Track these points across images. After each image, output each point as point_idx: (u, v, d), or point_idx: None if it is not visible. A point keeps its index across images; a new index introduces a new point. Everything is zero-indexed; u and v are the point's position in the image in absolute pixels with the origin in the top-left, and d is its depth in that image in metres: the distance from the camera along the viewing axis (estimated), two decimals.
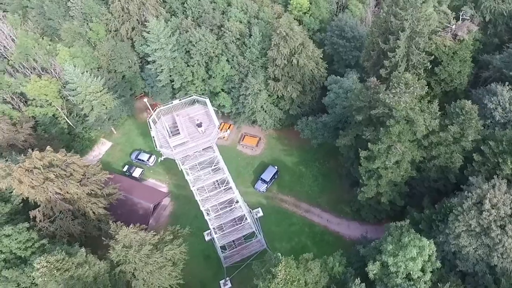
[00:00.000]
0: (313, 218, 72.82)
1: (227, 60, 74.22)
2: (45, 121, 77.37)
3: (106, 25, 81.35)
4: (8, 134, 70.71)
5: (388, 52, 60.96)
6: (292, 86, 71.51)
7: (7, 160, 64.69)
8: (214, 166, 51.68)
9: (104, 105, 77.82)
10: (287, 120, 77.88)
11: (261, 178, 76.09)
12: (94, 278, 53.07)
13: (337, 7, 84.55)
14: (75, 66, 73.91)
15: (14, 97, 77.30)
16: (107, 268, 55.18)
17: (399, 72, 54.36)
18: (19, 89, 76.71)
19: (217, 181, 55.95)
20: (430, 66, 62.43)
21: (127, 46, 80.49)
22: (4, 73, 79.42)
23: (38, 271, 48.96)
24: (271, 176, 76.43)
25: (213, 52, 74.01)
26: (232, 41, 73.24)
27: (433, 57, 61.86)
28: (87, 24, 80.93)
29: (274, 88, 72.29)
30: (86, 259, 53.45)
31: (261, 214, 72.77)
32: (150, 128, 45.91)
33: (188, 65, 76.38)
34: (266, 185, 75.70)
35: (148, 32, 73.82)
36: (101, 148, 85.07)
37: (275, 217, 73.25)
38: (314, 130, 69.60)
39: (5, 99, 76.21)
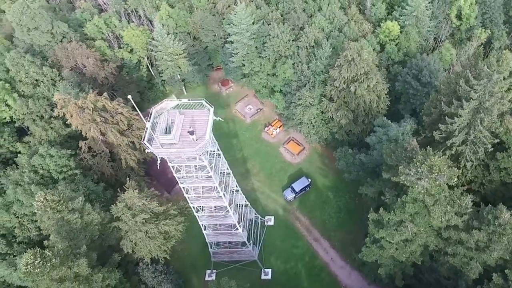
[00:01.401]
0: (318, 249, 63.62)
1: (293, 64, 66.35)
2: (130, 65, 78.21)
3: None
4: (93, 69, 73.75)
5: (447, 117, 47.94)
6: (344, 112, 60.89)
7: (76, 92, 68.10)
8: (206, 174, 46.81)
9: (179, 67, 76.38)
10: (332, 142, 68.05)
11: (292, 187, 67.94)
12: (84, 226, 54.08)
13: (429, 45, 69.47)
14: (163, 26, 73.28)
15: (113, 38, 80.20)
16: (102, 220, 55.47)
17: (432, 153, 41.88)
18: (119, 32, 79.20)
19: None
20: (492, 148, 48.01)
21: (216, 20, 76.00)
22: (115, 15, 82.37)
23: (36, 203, 51.37)
24: (302, 187, 68.00)
25: (284, 52, 66.60)
26: (305, 47, 64.74)
27: (498, 140, 47.28)
28: None
29: (326, 107, 63.11)
30: (82, 207, 54.24)
31: (271, 223, 67.57)
32: (149, 118, 42.40)
33: (259, 56, 70.55)
34: (295, 195, 67.53)
35: (234, 15, 69.62)
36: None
37: (284, 232, 65.49)
38: (350, 164, 59.30)
39: (106, 37, 79.46)
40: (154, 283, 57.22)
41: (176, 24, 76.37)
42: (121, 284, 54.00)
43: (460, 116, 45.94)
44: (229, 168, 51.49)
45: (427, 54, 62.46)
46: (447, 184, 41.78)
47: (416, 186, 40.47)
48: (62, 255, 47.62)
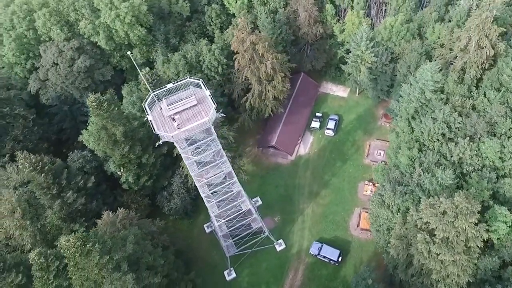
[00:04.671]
0: None
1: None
2: (332, 42, 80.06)
3: None
4: (304, 21, 76.79)
5: None
6: None
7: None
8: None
9: (359, 71, 73.25)
10: None
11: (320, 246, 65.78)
12: None
13: None
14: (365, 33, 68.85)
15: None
16: None
17: None
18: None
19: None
20: None
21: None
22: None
23: None
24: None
25: None
26: None
27: None
28: None
29: None
30: None
31: (260, 203, 71.15)
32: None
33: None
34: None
35: None
36: (337, 92, 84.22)
37: None
38: None
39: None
40: None
41: (389, 37, 70.33)
42: None
43: None
44: None
45: None
46: None
47: None
48: None
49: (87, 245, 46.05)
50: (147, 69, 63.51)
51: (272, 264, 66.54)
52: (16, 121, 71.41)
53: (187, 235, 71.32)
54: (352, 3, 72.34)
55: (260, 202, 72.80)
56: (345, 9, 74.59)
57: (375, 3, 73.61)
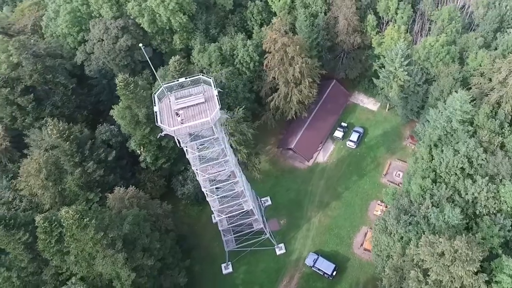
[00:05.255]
0: None
1: None
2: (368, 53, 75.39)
3: None
4: (343, 28, 72.58)
5: None
6: None
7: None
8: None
9: (391, 87, 68.29)
10: None
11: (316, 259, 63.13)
12: None
13: None
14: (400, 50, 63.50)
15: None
16: None
17: None
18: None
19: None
20: None
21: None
22: None
23: None
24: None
25: None
26: None
27: None
28: None
29: None
30: None
31: (269, 203, 68.97)
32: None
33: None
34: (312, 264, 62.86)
35: None
36: (367, 104, 79.47)
37: None
38: None
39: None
40: None
41: (426, 57, 64.75)
42: None
43: None
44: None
45: None
46: None
47: None
48: None
49: (85, 219, 46.61)
50: (177, 57, 62.73)
51: (269, 266, 64.91)
52: (57, 88, 73.62)
53: (195, 221, 71.06)
54: (396, 16, 66.99)
55: (269, 203, 70.96)
56: (387, 22, 69.43)
57: (420, 19, 67.77)
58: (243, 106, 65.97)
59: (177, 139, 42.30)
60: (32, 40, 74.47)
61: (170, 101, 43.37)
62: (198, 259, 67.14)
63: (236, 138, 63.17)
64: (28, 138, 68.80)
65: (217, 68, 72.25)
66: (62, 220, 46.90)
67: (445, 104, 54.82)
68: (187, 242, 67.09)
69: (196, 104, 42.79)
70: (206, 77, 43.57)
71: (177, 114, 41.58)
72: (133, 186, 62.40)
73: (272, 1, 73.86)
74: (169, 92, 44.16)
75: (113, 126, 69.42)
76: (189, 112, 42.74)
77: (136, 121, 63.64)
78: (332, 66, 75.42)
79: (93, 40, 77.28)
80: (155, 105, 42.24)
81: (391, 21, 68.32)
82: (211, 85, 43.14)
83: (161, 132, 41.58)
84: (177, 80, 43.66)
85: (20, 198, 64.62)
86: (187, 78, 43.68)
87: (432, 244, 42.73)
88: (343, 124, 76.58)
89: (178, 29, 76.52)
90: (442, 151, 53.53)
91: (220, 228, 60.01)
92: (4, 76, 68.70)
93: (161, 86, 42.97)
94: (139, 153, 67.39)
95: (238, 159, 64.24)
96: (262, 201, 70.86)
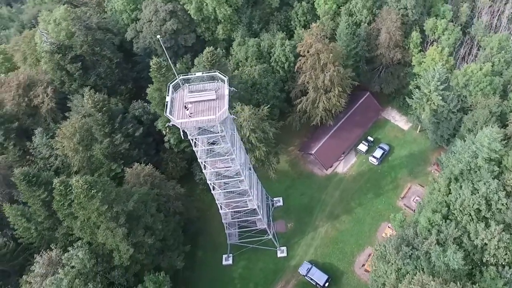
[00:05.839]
0: None
1: None
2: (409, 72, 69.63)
3: None
4: (384, 41, 67.32)
5: None
6: None
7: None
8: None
9: (423, 109, 63.07)
10: None
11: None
12: None
13: None
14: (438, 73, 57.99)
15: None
16: None
17: None
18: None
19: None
20: None
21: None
22: None
23: None
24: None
25: None
26: None
27: None
28: None
29: None
30: None
31: (280, 204, 67.13)
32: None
33: None
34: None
35: None
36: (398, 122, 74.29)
37: None
38: None
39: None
40: None
41: (465, 84, 58.86)
42: None
43: None
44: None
45: None
46: None
47: None
48: None
49: (92, 191, 47.54)
50: (211, 48, 61.70)
51: (268, 266, 63.30)
52: (102, 60, 75.63)
53: (207, 207, 70.71)
54: (443, 36, 61.25)
55: (281, 204, 69.11)
56: (432, 41, 63.71)
57: (468, 43, 61.54)
58: (270, 104, 64.10)
59: (183, 131, 41.47)
60: (87, 13, 76.68)
61: (184, 93, 42.57)
62: (203, 245, 67.11)
63: (257, 135, 61.51)
64: (71, 102, 71.41)
65: (252, 63, 70.63)
66: (72, 187, 48.11)
67: (474, 138, 49.57)
68: (195, 227, 67.20)
69: (207, 100, 41.61)
70: (222, 75, 42.17)
71: (185, 107, 40.69)
72: (152, 165, 62.67)
73: (318, 4, 70.37)
74: (186, 84, 43.33)
75: (147, 103, 70.29)
76: (199, 107, 41.82)
77: (164, 103, 63.71)
78: (368, 78, 71.05)
79: (143, 19, 78.21)
80: (168, 95, 41.62)
81: (436, 41, 62.53)
82: (225, 84, 41.72)
83: (169, 122, 40.98)
84: (194, 74, 42.66)
85: (56, 156, 67.76)
86: (204, 73, 42.55)
87: (424, 285, 39.11)
88: (370, 138, 72.37)
89: (222, 20, 75.42)
90: (461, 187, 48.71)
91: (223, 221, 59.24)
92: (59, 43, 71.50)
93: (176, 78, 42.23)
94: (164, 133, 67.82)
95: (256, 156, 62.76)
96: (274, 201, 69.10)
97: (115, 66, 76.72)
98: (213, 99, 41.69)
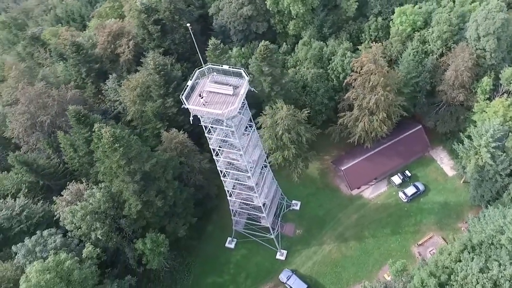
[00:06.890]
0: None
1: None
2: None
3: None
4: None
5: None
6: None
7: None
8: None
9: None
10: None
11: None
12: None
13: None
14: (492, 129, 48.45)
15: None
16: None
17: None
18: None
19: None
20: None
21: None
22: None
23: None
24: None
25: None
26: None
27: None
28: None
29: None
30: None
31: (297, 208, 65.26)
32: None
33: None
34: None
35: None
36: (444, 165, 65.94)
37: None
38: None
39: None
40: None
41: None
42: None
43: None
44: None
45: None
46: None
47: None
48: None
49: (115, 144, 49.54)
50: (267, 42, 59.23)
51: (263, 263, 61.48)
52: (180, 27, 77.32)
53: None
54: None
55: (297, 208, 66.05)
56: (503, 92, 53.52)
57: None
58: (315, 109, 60.53)
59: (193, 116, 40.72)
60: None
61: (206, 82, 41.54)
62: (215, 221, 67.29)
63: (291, 136, 58.65)
64: (144, 58, 74.89)
65: (309, 66, 66.71)
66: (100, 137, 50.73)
67: (508, 211, 41.30)
68: (212, 203, 67.26)
69: (224, 94, 40.09)
70: (246, 74, 40.11)
71: (200, 95, 39.75)
72: (192, 135, 62.62)
73: (393, 23, 63.11)
74: (214, 73, 42.21)
75: None
76: (216, 98, 40.50)
77: None
78: (425, 111, 62.90)
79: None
80: (190, 79, 40.93)
81: (507, 93, 52.35)
82: (245, 83, 39.68)
83: (183, 105, 40.49)
84: (221, 66, 41.24)
85: (120, 102, 72.37)
86: (230, 67, 40.90)
87: None
88: (407, 172, 64.94)
89: (295, 16, 71.91)
90: (472, 259, 41.37)
91: (230, 207, 58.45)
92: (148, 4, 74.58)
93: (202, 67, 41.34)
94: None
95: (284, 155, 59.98)
96: (292, 203, 66.17)
97: (189, 36, 78.08)
98: (229, 95, 40.01)
